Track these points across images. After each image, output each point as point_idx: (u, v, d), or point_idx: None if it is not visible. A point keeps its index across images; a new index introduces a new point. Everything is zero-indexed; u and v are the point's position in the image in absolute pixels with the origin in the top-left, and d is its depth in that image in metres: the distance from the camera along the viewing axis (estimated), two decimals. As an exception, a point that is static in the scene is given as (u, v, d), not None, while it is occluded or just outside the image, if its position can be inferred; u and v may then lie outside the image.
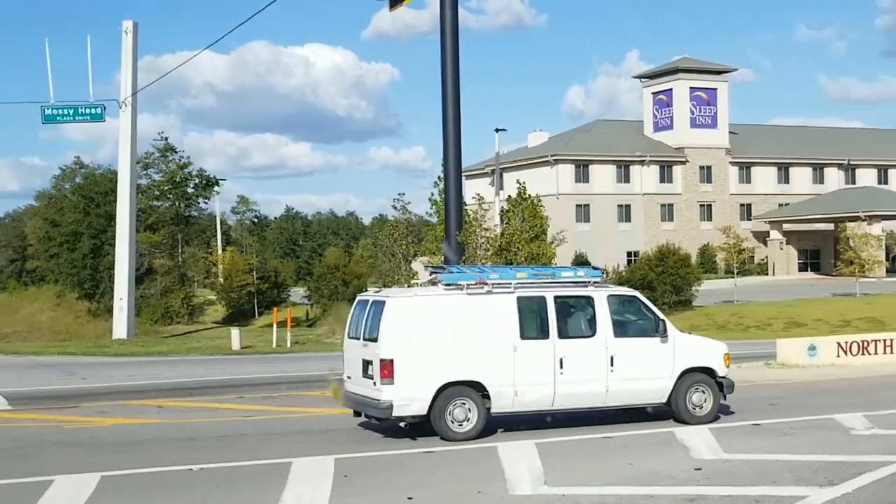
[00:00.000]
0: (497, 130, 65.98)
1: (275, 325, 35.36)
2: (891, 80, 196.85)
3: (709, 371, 15.67)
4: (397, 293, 15.21)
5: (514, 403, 14.58)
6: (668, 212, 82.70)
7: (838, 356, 23.73)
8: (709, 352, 15.89)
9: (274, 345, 34.13)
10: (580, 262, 76.03)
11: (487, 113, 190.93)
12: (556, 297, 14.85)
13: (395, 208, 41.85)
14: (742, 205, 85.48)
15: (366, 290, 52.44)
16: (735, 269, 59.56)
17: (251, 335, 40.02)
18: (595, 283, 15.38)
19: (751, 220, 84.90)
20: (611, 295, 15.31)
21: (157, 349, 35.43)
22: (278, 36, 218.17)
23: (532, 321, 14.73)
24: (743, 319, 44.65)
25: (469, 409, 14.25)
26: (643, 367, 15.14)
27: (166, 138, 57.07)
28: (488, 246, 39.35)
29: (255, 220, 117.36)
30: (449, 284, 14.65)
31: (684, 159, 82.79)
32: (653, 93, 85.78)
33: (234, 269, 56.44)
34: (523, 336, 14.57)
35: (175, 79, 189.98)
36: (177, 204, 56.59)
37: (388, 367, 13.99)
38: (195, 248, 68.09)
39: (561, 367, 14.57)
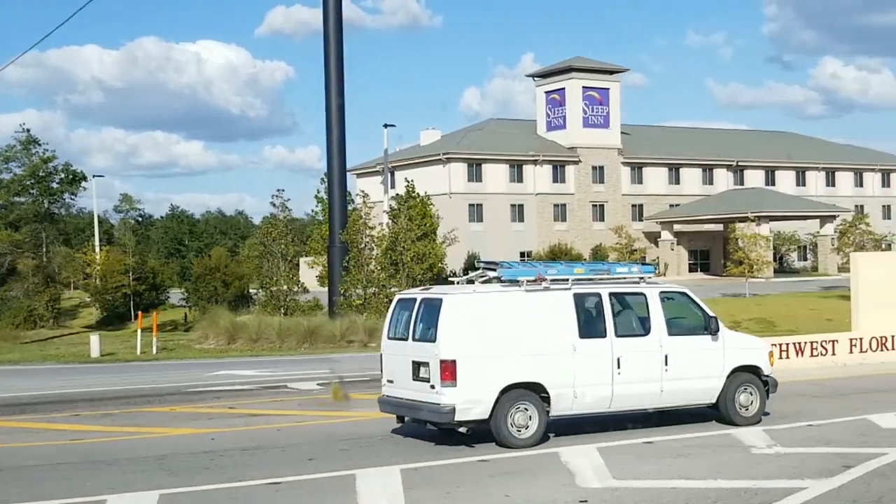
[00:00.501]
0: (386, 126, 64.10)
1: (139, 330, 32.80)
2: (776, 85, 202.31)
3: (755, 370, 15.29)
4: (453, 290, 14.06)
5: (573, 406, 13.96)
6: (561, 212, 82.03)
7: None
8: (754, 350, 15.49)
9: (138, 351, 31.60)
10: (473, 261, 74.77)
11: (384, 113, 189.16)
12: (611, 294, 14.37)
13: (274, 205, 39.79)
14: (634, 205, 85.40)
15: (248, 292, 50.23)
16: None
17: (118, 341, 37.36)
18: (647, 279, 14.92)
19: (642, 220, 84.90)
20: (662, 291, 14.84)
21: (9, 357, 32.61)
22: (169, 32, 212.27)
23: (590, 319, 14.17)
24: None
25: (530, 414, 13.58)
26: (696, 367, 14.74)
27: (28, 130, 53.48)
28: (373, 245, 37.69)
29: (140, 220, 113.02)
30: (506, 281, 13.97)
31: (577, 159, 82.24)
32: (546, 92, 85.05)
33: (108, 269, 53.32)
34: (582, 335, 13.97)
35: (62, 74, 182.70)
36: (40, 200, 53.06)
37: (449, 368, 13.17)
38: (72, 248, 64.59)
39: (618, 367, 14.08)
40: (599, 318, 14.15)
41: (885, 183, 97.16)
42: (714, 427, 14.85)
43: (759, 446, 13.31)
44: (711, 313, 15.04)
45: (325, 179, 51.90)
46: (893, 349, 23.52)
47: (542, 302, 13.86)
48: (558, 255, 48.07)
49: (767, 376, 15.39)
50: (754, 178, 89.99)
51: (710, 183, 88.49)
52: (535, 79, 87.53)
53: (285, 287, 38.20)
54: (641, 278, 14.87)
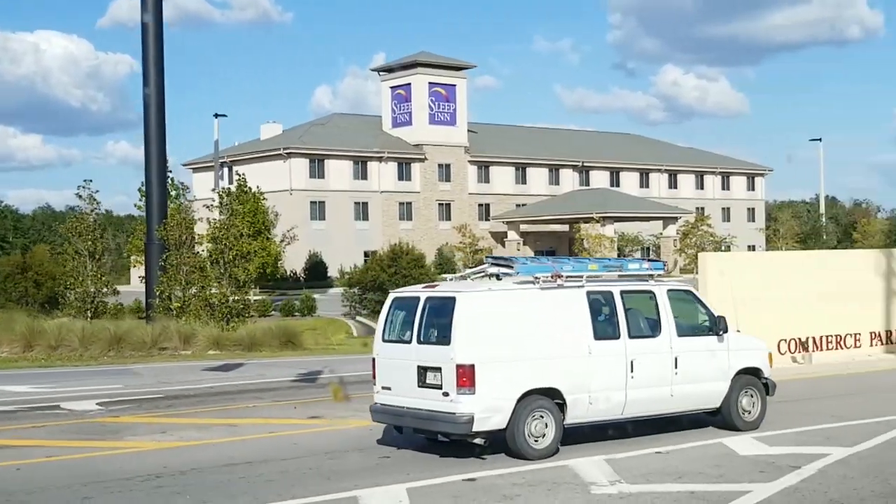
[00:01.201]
0: (217, 116, 60.33)
1: (-85, 339, 28.70)
2: (620, 91, 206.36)
3: (756, 372, 14.75)
4: (466, 287, 12.95)
5: (587, 413, 13.06)
6: (406, 210, 79.94)
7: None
8: (756, 350, 14.93)
9: (-86, 362, 27.54)
10: (315, 260, 71.93)
11: (229, 110, 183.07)
12: (622, 293, 13.56)
13: (81, 197, 35.95)
14: (481, 205, 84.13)
15: (60, 293, 46.04)
16: (469, 268, 57.30)
17: None
18: (656, 276, 14.25)
19: (489, 220, 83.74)
20: (670, 289, 14.18)
21: None
22: (4, 21, 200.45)
23: (604, 320, 13.35)
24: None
25: (546, 422, 12.60)
26: (704, 370, 14.12)
27: None
28: (193, 242, 34.48)
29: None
30: (523, 277, 12.93)
31: (423, 157, 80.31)
32: (391, 87, 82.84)
33: None
34: (597, 336, 13.13)
35: None
36: None
37: (467, 373, 12.10)
38: None
39: (632, 370, 13.33)
40: (612, 318, 13.41)
41: (725, 186, 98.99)
42: (548, 460, 12.65)
43: (599, 483, 11.16)
44: (717, 313, 14.42)
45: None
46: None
47: (557, 301, 12.99)
48: (399, 254, 45.57)
49: (767, 378, 14.85)
50: (600, 179, 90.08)
51: (557, 183, 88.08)
52: (381, 73, 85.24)
53: (92, 288, 34.58)
54: (651, 275, 14.18)
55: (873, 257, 24.49)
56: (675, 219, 79.53)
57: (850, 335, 23.10)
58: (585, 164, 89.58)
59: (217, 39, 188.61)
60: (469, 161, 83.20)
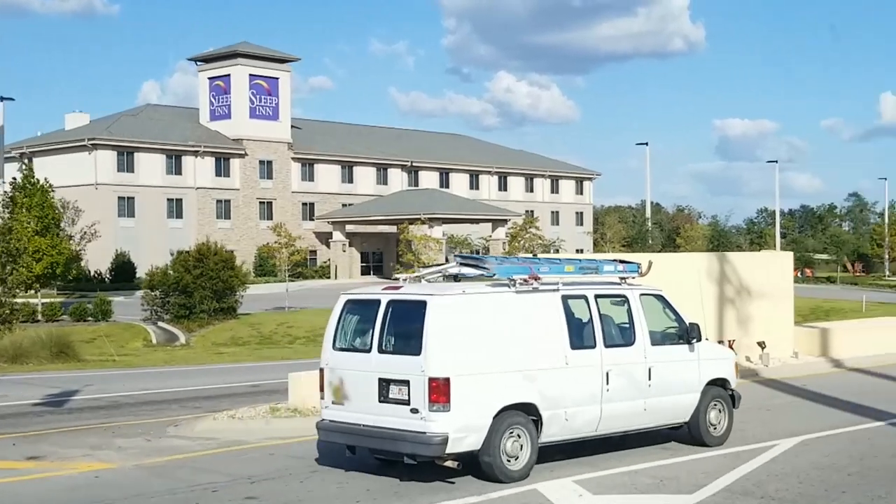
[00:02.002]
0: (2, 99, 54.52)
1: None
2: (455, 96, 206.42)
3: (724, 383, 13.82)
4: (437, 290, 11.47)
5: (563, 430, 11.97)
6: (224, 208, 75.54)
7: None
8: (724, 360, 14.03)
9: None
10: (122, 260, 66.74)
11: (53, 102, 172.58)
12: (597, 297, 12.53)
13: None
14: (305, 204, 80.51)
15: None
16: (288, 271, 53.89)
17: None
18: (629, 279, 13.17)
19: (314, 220, 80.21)
20: (643, 294, 13.14)
21: None
22: None
23: (579, 326, 12.29)
24: (292, 330, 39.06)
25: (522, 441, 11.48)
26: (676, 381, 13.17)
27: None
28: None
29: None
30: (498, 279, 11.93)
31: (243, 152, 76.11)
32: (209, 78, 78.27)
33: None
34: (573, 345, 12.06)
35: None
36: None
37: (442, 388, 10.87)
38: None
39: (607, 382, 12.31)
40: (588, 325, 12.33)
41: (554, 189, 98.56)
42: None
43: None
44: (689, 319, 13.49)
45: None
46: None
47: (532, 306, 11.83)
48: (206, 254, 41.79)
49: (733, 390, 13.93)
50: (429, 180, 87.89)
51: (385, 183, 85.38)
52: (198, 63, 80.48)
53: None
54: (623, 278, 13.10)
55: (705, 260, 22.50)
56: (505, 221, 78.03)
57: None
58: (414, 164, 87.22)
59: (35, 29, 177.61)
60: (293, 158, 79.45)
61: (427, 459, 11.00)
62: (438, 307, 11.02)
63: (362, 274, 79.81)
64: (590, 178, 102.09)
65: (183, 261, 42.02)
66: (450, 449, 10.81)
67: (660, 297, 13.43)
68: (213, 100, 78.05)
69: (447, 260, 14.07)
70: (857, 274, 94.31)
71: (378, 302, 11.60)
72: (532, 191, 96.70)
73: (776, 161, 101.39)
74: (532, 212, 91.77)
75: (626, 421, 12.64)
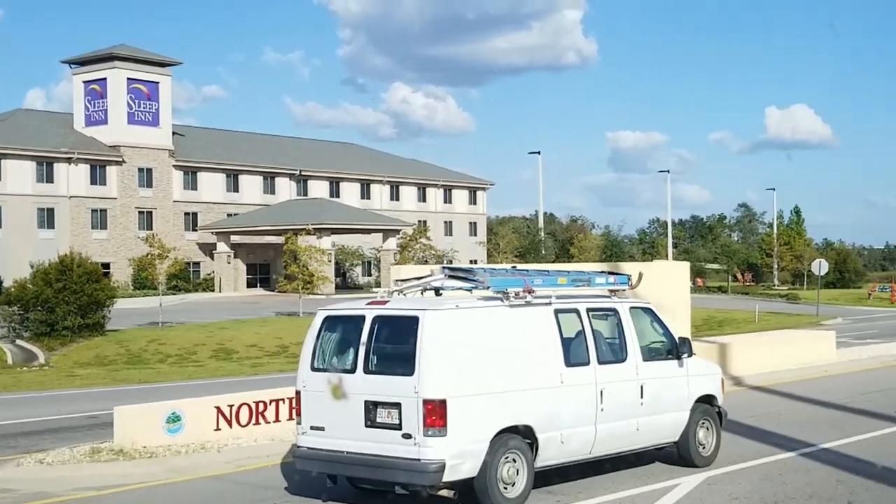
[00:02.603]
0: None
1: None
2: (351, 106, 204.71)
3: (711, 400, 13.29)
4: (428, 304, 10.41)
5: (559, 453, 11.15)
6: (100, 218, 71.69)
7: (218, 428, 14.13)
8: (712, 376, 13.50)
9: None
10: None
11: None
12: (588, 311, 11.81)
13: None
14: (188, 213, 77.11)
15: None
16: (165, 284, 50.93)
17: None
18: (619, 292, 12.57)
19: (197, 230, 76.85)
20: (633, 307, 12.56)
21: None
22: None
23: (572, 342, 11.50)
24: (164, 347, 36.36)
25: (518, 466, 10.63)
26: (667, 398, 12.55)
27: None
28: None
29: None
30: (495, 291, 10.94)
31: (120, 159, 72.43)
32: (85, 82, 74.37)
33: None
34: (568, 362, 11.29)
35: None
36: None
37: (438, 410, 9.90)
38: None
39: (601, 401, 11.56)
40: (581, 340, 11.70)
41: (447, 199, 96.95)
42: None
43: None
44: (679, 333, 13.13)
45: None
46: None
47: (527, 321, 11.17)
48: (69, 267, 38.73)
49: (720, 407, 13.40)
50: (318, 189, 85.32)
51: (272, 192, 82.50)
52: (72, 66, 76.44)
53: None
54: (613, 291, 12.54)
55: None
56: (397, 231, 76.01)
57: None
58: (304, 173, 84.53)
59: None
60: (174, 165, 76.03)
61: (421, 489, 10.32)
62: (432, 323, 10.23)
63: (248, 287, 76.83)
64: (483, 189, 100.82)
65: (44, 273, 38.85)
66: (446, 477, 10.12)
67: (648, 311, 12.82)
68: (88, 104, 74.16)
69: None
70: (747, 283, 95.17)
71: (362, 318, 10.76)
72: (425, 201, 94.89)
73: (668, 171, 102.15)
74: (425, 222, 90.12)
75: (619, 442, 11.98)
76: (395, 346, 10.55)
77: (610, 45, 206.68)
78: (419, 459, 10.03)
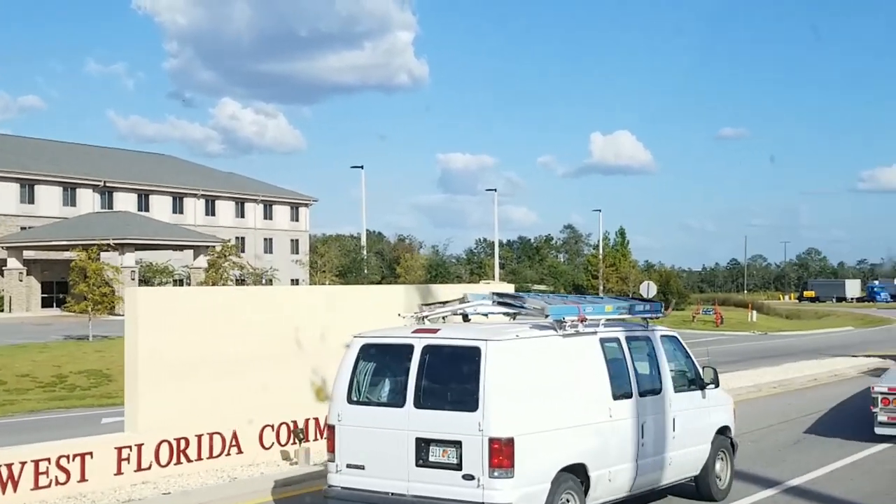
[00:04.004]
0: None
1: None
2: (178, 121, 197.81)
3: (726, 431, 12.87)
4: (490, 333, 9.73)
5: (605, 491, 10.63)
6: None
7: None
8: (728, 406, 13.10)
9: None
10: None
11: None
12: (627, 339, 11.34)
13: None
14: (-27, 226, 69.86)
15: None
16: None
17: None
18: (651, 320, 12.14)
19: (-15, 244, 69.77)
20: (664, 335, 12.11)
21: None
22: None
23: (616, 373, 10.92)
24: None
25: None
26: (693, 430, 12.08)
27: None
28: None
29: None
30: (555, 321, 10.35)
31: None
32: None
33: None
34: (615, 395, 10.79)
35: None
36: None
37: (505, 450, 9.33)
38: None
39: (642, 435, 11.11)
40: (623, 371, 11.05)
41: (268, 215, 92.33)
42: None
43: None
44: (700, 363, 12.64)
45: None
46: (202, 458, 13.15)
47: (576, 350, 10.52)
48: None
49: (732, 437, 12.99)
50: (125, 202, 79.26)
51: (73, 204, 75.98)
52: None
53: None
54: (646, 319, 12.04)
55: (323, 295, 16.70)
56: (209, 248, 71.04)
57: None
58: (108, 184, 78.27)
59: None
60: (-40, 173, 68.80)
61: None
62: (496, 354, 9.60)
63: (44, 306, 70.26)
64: (306, 205, 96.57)
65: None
66: None
67: (675, 339, 12.53)
68: None
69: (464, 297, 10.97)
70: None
71: (409, 347, 10.05)
72: (243, 216, 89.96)
73: (495, 189, 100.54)
74: (243, 238, 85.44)
75: (653, 477, 11.58)
76: (452, 378, 9.87)
77: (441, 67, 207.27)
78: (483, 503, 9.42)
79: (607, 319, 11.22)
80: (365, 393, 10.25)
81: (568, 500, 10.05)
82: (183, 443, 12.93)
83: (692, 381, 12.33)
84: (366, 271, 75.39)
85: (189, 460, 12.94)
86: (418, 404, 9.80)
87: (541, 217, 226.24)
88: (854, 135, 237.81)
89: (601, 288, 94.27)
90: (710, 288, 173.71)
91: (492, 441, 9.32)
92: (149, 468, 12.60)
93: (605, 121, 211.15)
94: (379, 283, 73.76)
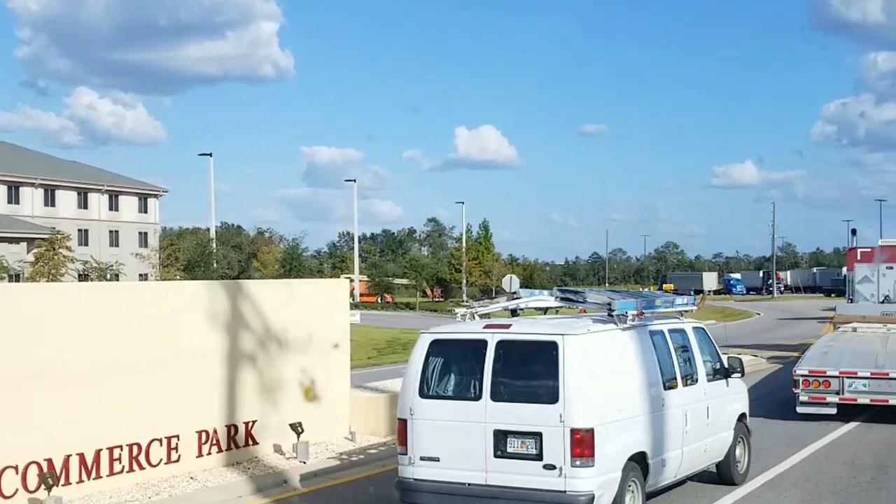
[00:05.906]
0: None
1: None
2: (31, 110, 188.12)
3: (743, 418, 13.51)
4: (564, 328, 10.15)
5: (659, 478, 11.14)
6: None
7: None
8: (745, 393, 13.73)
9: None
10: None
11: None
12: (670, 331, 11.93)
13: None
14: None
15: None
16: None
17: None
18: (684, 313, 12.77)
19: None
20: (694, 327, 12.69)
21: None
22: None
23: (665, 364, 11.52)
24: None
25: (635, 495, 10.61)
26: (721, 417, 12.76)
27: None
28: None
29: None
30: (617, 315, 10.86)
31: None
32: None
33: None
34: (665, 385, 11.34)
35: None
36: None
37: (586, 440, 9.78)
38: None
39: (686, 423, 11.65)
40: (670, 361, 11.62)
41: (114, 206, 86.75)
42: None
43: None
44: (726, 354, 13.36)
45: None
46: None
47: (633, 343, 11.05)
48: None
49: (747, 424, 13.65)
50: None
51: None
52: None
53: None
54: (681, 313, 12.65)
55: (205, 292, 13.84)
56: (46, 240, 65.71)
57: (158, 441, 12.48)
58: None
59: None
60: None
61: None
62: (573, 347, 9.95)
63: None
64: (156, 195, 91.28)
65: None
66: None
67: (702, 331, 12.86)
68: None
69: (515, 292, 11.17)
70: (437, 299, 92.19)
71: (483, 342, 10.28)
72: (86, 207, 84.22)
73: (354, 180, 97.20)
74: (87, 231, 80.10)
75: (694, 463, 12.06)
76: (529, 372, 10.14)
77: (307, 59, 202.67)
78: (565, 491, 9.74)
79: (653, 313, 11.60)
80: (436, 387, 10.43)
81: (632, 487, 10.44)
82: None
83: (717, 371, 12.79)
84: (215, 265, 71.18)
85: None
86: (495, 397, 10.08)
87: (407, 211, 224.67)
88: (708, 133, 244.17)
89: (464, 281, 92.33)
90: (573, 281, 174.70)
91: (573, 431, 9.69)
92: None
93: (470, 116, 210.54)
94: (235, 277, 69.81)
